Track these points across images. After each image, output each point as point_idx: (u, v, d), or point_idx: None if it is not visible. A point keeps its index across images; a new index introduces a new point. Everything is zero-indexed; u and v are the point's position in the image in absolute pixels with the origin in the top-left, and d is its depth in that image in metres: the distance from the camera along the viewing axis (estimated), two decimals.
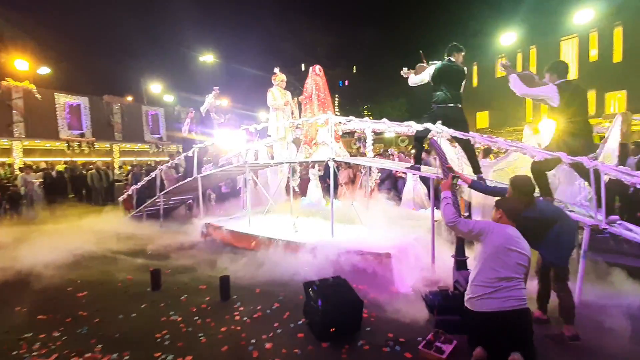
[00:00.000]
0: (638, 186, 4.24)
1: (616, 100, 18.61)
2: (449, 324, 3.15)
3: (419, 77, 4.87)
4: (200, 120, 9.11)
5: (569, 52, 20.17)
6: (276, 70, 7.09)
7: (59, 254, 6.09)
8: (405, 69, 5.10)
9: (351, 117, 5.72)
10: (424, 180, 8.08)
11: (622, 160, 5.51)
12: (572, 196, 5.16)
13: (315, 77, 7.05)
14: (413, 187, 7.99)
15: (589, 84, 15.04)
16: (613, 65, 18.10)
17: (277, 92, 7.08)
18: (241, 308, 3.95)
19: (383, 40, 34.70)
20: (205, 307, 4.03)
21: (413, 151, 12.03)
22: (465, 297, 2.60)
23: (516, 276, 2.44)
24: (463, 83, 4.78)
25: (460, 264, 3.62)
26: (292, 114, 7.57)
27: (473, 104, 22.76)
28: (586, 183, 5.22)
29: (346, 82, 34.60)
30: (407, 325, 3.43)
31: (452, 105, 4.64)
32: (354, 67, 27.53)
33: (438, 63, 4.76)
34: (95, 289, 4.70)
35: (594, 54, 19.30)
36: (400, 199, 8.93)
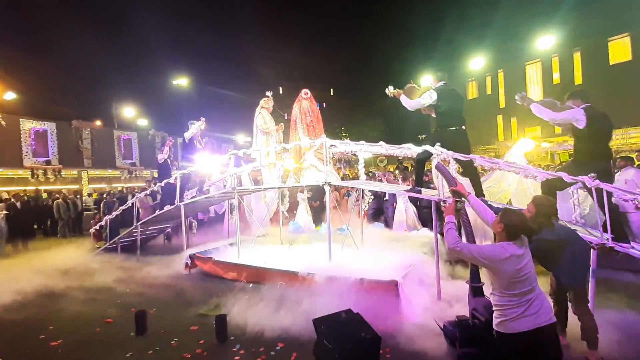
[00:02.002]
0: (631, 202, 4.36)
1: None
2: (473, 357, 2.95)
3: (419, 100, 4.67)
4: (182, 146, 8.71)
5: (533, 76, 21.50)
6: (269, 94, 6.95)
7: (28, 294, 5.51)
8: (390, 88, 4.84)
9: (347, 141, 5.61)
10: (413, 201, 8.06)
11: None
12: (568, 214, 5.21)
13: (303, 101, 6.97)
14: (405, 209, 7.91)
15: None
16: (574, 88, 19.38)
17: (267, 116, 6.91)
18: (242, 351, 3.57)
19: (359, 63, 35.90)
20: (201, 352, 3.62)
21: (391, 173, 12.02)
22: (495, 321, 2.44)
23: (535, 284, 2.38)
24: (463, 106, 4.78)
25: (476, 290, 3.46)
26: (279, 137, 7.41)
27: None
28: (579, 200, 5.35)
29: (324, 104, 35.12)
30: None
31: (456, 128, 4.59)
32: (331, 89, 28.03)
33: (437, 85, 4.69)
34: (71, 336, 4.15)
35: (556, 77, 20.66)
36: (386, 220, 8.84)
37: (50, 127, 19.97)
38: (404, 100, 4.85)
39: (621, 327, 3.36)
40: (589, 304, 3.20)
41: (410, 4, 35.24)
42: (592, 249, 3.68)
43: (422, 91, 4.78)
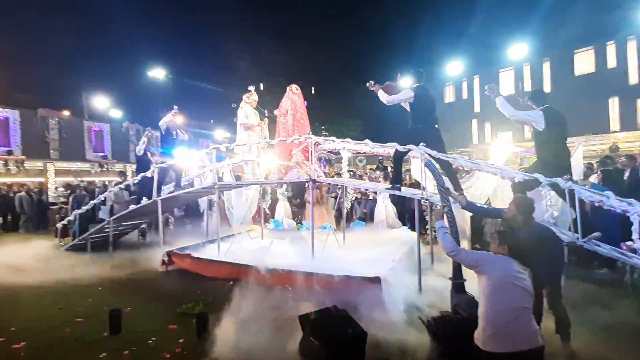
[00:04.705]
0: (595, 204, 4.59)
1: None
2: (456, 352, 3.02)
3: (396, 97, 4.84)
4: (160, 138, 8.34)
5: (507, 83, 22.34)
6: (251, 88, 6.80)
7: None
8: (371, 82, 5.05)
9: (333, 137, 5.60)
10: (393, 200, 8.17)
11: None
12: (540, 215, 5.44)
13: (292, 96, 6.89)
14: (384, 207, 8.00)
15: None
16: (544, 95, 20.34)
17: (250, 111, 6.77)
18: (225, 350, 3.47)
19: (339, 63, 35.91)
20: (181, 351, 3.49)
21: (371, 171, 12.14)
22: (476, 335, 2.39)
23: (527, 306, 2.31)
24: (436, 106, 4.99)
25: (459, 286, 3.55)
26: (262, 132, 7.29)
27: None
28: (550, 202, 5.61)
29: (305, 102, 34.97)
30: (411, 356, 3.23)
31: (429, 126, 4.76)
32: (312, 88, 27.95)
33: (414, 86, 4.82)
34: (37, 337, 3.88)
35: (528, 84, 21.57)
36: (365, 218, 8.92)
37: (13, 114, 18.74)
38: (381, 95, 5.05)
39: (592, 321, 3.53)
40: (562, 299, 3.35)
41: (390, 9, 35.90)
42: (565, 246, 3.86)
43: (400, 90, 5.00)
